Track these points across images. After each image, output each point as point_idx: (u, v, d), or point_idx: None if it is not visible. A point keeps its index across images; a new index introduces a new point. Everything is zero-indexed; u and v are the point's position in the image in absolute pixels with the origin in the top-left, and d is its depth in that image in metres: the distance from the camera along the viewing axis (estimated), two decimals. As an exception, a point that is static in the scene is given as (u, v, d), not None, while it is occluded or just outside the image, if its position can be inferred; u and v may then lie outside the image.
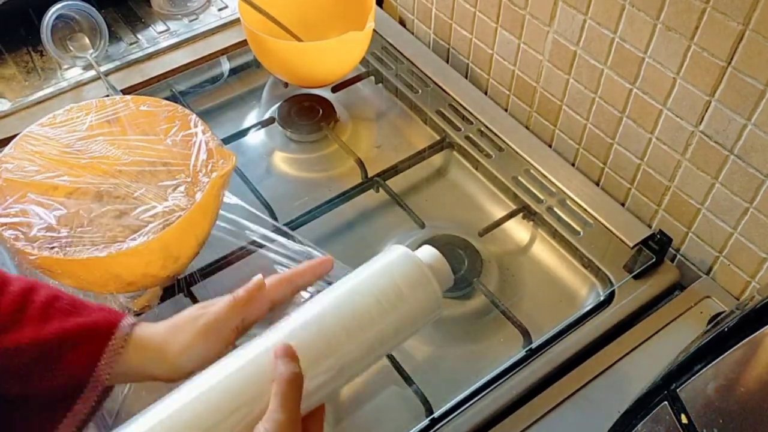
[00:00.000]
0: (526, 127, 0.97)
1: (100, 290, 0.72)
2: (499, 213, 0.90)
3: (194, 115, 0.79)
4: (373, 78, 1.06)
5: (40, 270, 0.69)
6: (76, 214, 0.75)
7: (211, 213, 0.75)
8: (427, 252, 0.61)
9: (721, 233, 0.77)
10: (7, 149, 0.77)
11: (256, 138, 1.00)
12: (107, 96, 0.86)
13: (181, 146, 0.79)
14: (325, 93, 1.03)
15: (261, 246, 0.82)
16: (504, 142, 0.94)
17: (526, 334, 0.75)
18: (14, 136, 0.89)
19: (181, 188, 0.77)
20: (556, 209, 0.88)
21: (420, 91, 1.03)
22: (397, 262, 0.58)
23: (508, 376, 0.73)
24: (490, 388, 0.72)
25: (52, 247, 0.70)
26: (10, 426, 0.54)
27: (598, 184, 0.90)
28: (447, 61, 1.07)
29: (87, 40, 1.02)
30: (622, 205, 0.88)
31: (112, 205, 0.76)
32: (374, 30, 0.98)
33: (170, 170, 0.79)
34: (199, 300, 0.76)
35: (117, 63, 1.03)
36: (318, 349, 0.53)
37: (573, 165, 0.93)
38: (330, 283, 0.59)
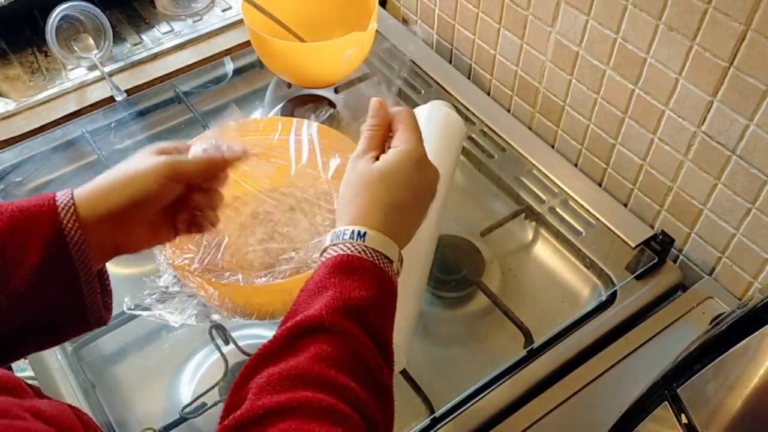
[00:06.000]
0: (529, 128, 0.97)
1: (216, 307, 0.71)
2: (501, 213, 0.90)
3: None
4: (375, 78, 1.06)
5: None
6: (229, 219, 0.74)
7: None
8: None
9: (724, 234, 0.77)
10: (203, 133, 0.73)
11: (259, 138, 1.01)
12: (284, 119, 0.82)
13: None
14: (328, 93, 1.04)
15: None
16: (506, 142, 0.94)
17: (527, 335, 0.75)
18: (19, 137, 0.89)
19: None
20: (558, 210, 0.88)
21: (423, 91, 1.03)
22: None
23: (509, 376, 0.73)
24: (491, 388, 0.72)
25: (189, 256, 0.69)
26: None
27: (600, 185, 0.90)
28: (450, 62, 1.07)
29: (91, 41, 1.02)
30: (625, 205, 0.88)
31: (264, 225, 0.75)
32: (377, 31, 0.98)
33: (329, 209, 0.77)
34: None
35: (121, 63, 1.04)
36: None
37: (575, 165, 0.93)
38: None
